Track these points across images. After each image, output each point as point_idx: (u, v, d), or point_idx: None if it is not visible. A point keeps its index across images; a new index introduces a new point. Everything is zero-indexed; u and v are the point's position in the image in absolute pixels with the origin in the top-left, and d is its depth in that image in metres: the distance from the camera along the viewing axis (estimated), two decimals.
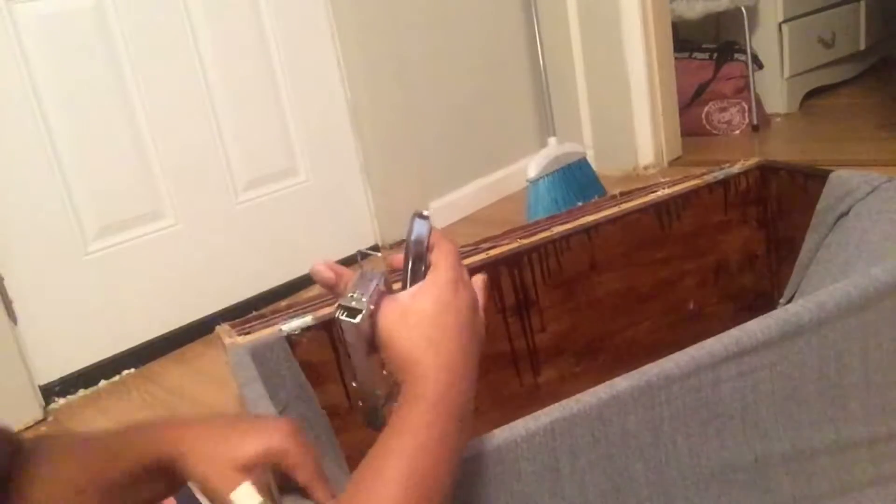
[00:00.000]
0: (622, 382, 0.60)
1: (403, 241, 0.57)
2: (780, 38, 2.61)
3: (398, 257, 0.58)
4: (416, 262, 0.57)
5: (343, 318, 0.53)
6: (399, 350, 0.53)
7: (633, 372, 0.61)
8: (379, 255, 0.60)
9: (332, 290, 0.58)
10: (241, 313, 1.05)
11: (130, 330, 1.64)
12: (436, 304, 0.53)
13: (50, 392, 1.55)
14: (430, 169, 2.15)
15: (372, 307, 0.53)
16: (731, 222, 1.20)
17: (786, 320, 0.64)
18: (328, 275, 0.57)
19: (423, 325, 0.53)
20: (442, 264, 0.55)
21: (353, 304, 0.53)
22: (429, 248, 0.57)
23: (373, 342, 0.54)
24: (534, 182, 1.94)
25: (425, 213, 0.58)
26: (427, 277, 0.55)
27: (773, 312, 0.65)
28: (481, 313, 0.57)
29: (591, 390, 0.60)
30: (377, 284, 0.54)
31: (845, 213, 0.96)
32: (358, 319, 0.53)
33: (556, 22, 2.34)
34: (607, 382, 0.60)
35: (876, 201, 0.92)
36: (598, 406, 0.59)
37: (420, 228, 0.57)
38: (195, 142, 1.72)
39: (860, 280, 0.67)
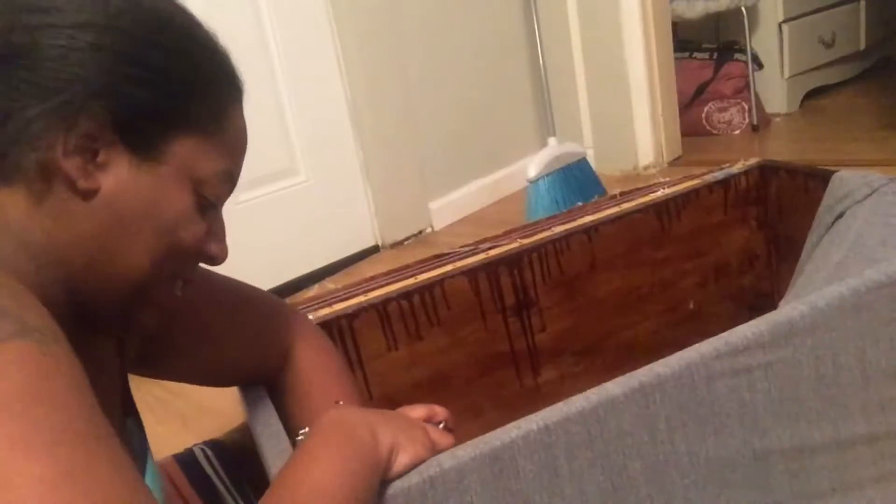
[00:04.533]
0: (614, 388, 0.60)
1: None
2: (780, 38, 2.61)
3: None
4: None
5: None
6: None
7: (625, 375, 0.61)
8: None
9: None
10: None
11: None
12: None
13: None
14: (430, 169, 2.15)
15: None
16: (731, 222, 1.20)
17: (777, 322, 0.64)
18: None
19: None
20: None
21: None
22: None
23: None
24: (534, 182, 1.94)
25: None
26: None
27: (765, 315, 0.65)
28: None
29: (584, 394, 0.60)
30: None
31: (842, 215, 0.96)
32: None
33: (556, 22, 2.34)
34: (599, 386, 0.60)
35: (874, 204, 0.92)
36: (593, 405, 0.59)
37: None
38: None
39: (853, 281, 0.67)
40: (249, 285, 0.76)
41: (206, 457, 0.74)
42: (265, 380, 0.74)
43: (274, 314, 0.75)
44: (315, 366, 0.74)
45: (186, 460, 0.74)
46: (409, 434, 0.57)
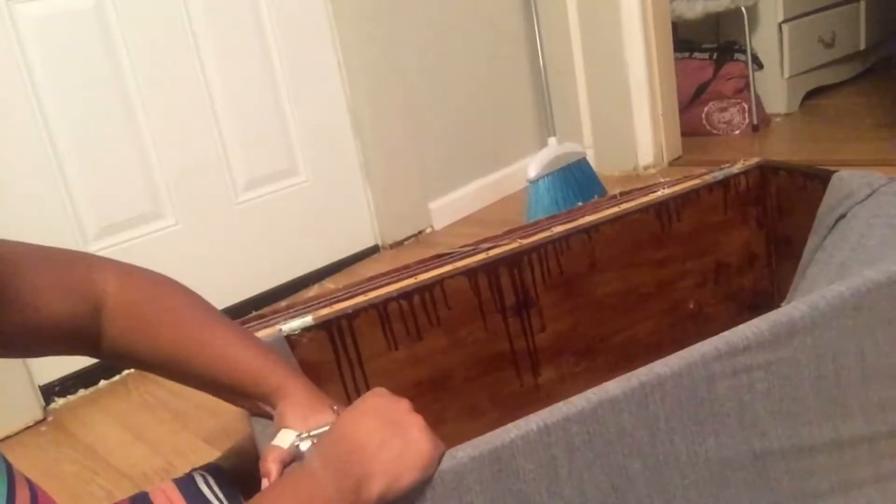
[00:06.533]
0: (614, 388, 0.60)
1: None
2: (780, 38, 2.62)
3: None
4: None
5: None
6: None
7: (625, 375, 0.61)
8: None
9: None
10: (241, 313, 1.05)
11: None
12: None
13: (50, 392, 1.55)
14: (430, 169, 2.15)
15: None
16: (731, 222, 1.20)
17: (777, 321, 0.64)
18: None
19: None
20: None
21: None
22: None
23: None
24: (534, 182, 1.94)
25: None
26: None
27: (765, 315, 0.65)
28: None
29: (584, 393, 0.60)
30: None
31: (844, 216, 0.96)
32: None
33: (556, 22, 2.34)
34: (599, 386, 0.60)
35: (874, 204, 0.92)
36: (593, 405, 0.59)
37: None
38: (195, 142, 1.72)
39: (853, 281, 0.67)
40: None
41: (207, 482, 0.75)
42: (88, 326, 0.65)
43: (72, 257, 0.67)
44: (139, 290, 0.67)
45: (186, 483, 0.75)
46: (412, 458, 0.55)
